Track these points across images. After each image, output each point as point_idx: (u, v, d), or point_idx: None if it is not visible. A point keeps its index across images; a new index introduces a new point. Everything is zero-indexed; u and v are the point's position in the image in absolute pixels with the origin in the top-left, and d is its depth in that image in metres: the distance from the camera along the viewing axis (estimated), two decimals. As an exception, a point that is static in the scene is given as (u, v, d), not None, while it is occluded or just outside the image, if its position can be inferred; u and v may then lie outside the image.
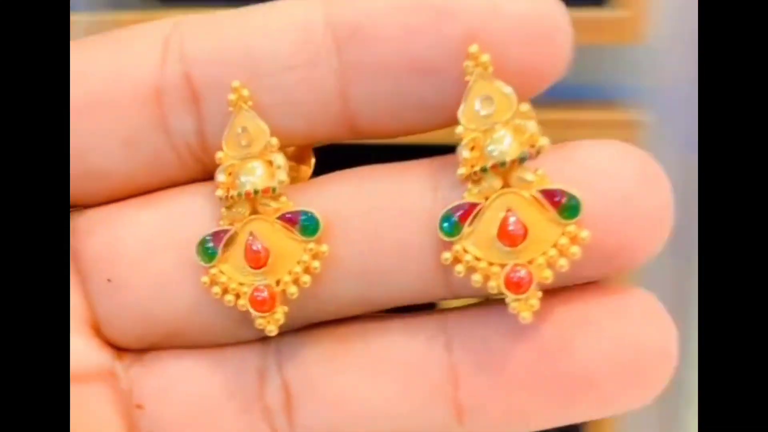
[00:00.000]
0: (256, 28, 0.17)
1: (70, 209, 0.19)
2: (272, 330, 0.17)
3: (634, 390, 0.17)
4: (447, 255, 0.17)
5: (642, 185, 0.16)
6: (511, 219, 0.16)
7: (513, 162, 0.16)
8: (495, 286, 0.16)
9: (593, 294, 0.17)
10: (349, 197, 0.18)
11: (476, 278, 0.17)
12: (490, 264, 0.17)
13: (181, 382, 0.19)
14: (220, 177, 0.17)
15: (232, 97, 0.17)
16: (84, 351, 0.18)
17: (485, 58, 0.16)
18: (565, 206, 0.16)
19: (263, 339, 0.19)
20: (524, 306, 0.16)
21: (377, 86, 0.17)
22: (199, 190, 0.18)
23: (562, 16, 0.16)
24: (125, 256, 0.18)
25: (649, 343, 0.16)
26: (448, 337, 0.18)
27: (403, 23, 0.16)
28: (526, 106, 0.16)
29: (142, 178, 0.18)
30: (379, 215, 0.17)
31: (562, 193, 0.16)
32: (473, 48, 0.16)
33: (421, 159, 0.18)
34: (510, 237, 0.16)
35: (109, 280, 0.18)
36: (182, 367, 0.19)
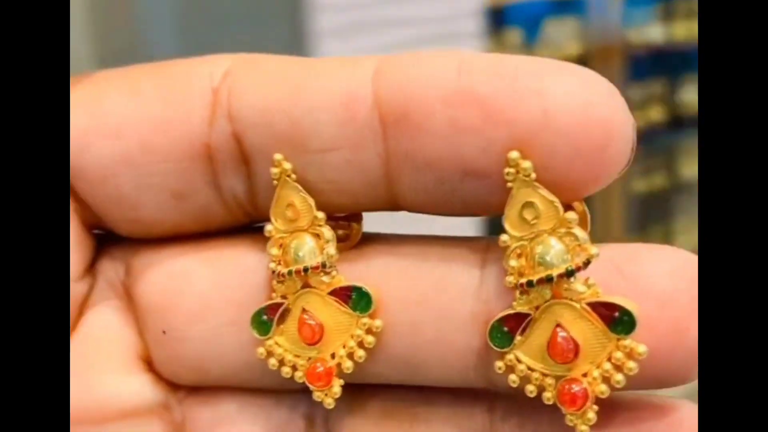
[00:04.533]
0: (302, 97, 0.17)
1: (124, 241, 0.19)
2: (330, 403, 0.18)
3: None
4: (500, 364, 0.16)
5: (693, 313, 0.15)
6: (561, 335, 0.16)
7: (561, 277, 0.16)
8: (550, 397, 0.16)
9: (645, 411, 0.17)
10: (395, 280, 0.17)
11: (530, 389, 0.16)
12: (544, 375, 0.16)
13: (235, 418, 0.19)
14: (272, 251, 0.18)
15: (274, 170, 0.17)
16: (137, 387, 0.19)
17: (527, 164, 0.15)
18: (619, 321, 0.15)
19: None
20: (582, 420, 0.16)
21: (422, 179, 0.16)
22: (252, 247, 0.18)
23: (621, 122, 0.15)
24: (181, 310, 0.18)
25: None
26: None
27: (451, 119, 0.16)
28: (572, 215, 0.16)
29: (191, 226, 0.19)
30: (423, 309, 0.17)
31: (615, 307, 0.15)
32: (513, 154, 0.15)
33: (470, 239, 0.18)
34: (561, 354, 0.16)
35: (164, 332, 0.19)
36: (237, 404, 0.19)
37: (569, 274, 0.16)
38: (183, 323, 0.18)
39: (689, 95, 1.03)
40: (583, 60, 0.94)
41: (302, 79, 0.17)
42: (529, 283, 0.16)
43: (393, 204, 0.17)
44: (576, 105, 0.15)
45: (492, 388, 0.18)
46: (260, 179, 0.17)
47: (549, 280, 0.16)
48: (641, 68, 1.01)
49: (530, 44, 0.94)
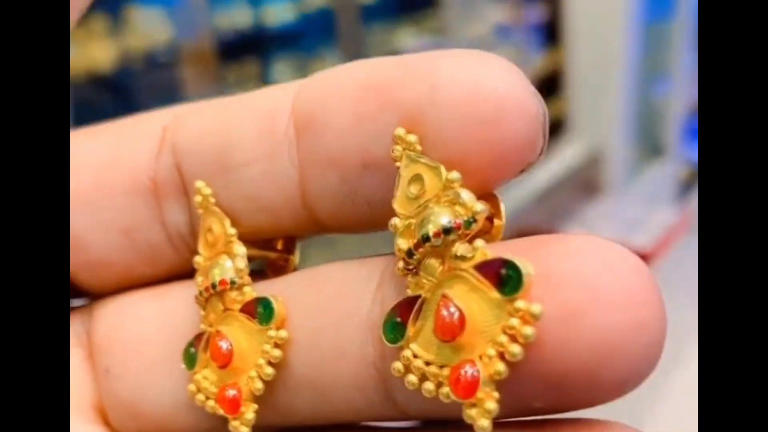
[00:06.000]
0: (230, 119, 0.17)
1: (86, 298, 0.19)
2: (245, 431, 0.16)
3: None
4: (398, 365, 0.14)
5: (606, 296, 0.13)
6: (449, 308, 0.13)
7: (437, 235, 0.14)
8: (448, 392, 0.13)
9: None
10: (303, 292, 0.16)
11: (428, 388, 0.14)
12: (441, 367, 0.13)
13: None
14: (198, 279, 0.17)
15: (197, 198, 0.17)
16: None
17: (411, 138, 0.14)
18: (506, 279, 0.13)
19: None
20: (480, 412, 0.13)
21: (327, 179, 0.16)
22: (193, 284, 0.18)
23: (517, 98, 0.14)
24: (121, 344, 0.18)
25: None
26: None
27: (353, 112, 0.15)
28: (455, 174, 0.14)
29: (142, 268, 0.18)
30: (323, 317, 0.15)
31: (500, 263, 0.13)
32: (399, 131, 0.15)
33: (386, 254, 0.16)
34: (445, 328, 0.13)
35: (107, 371, 0.18)
36: None
37: (446, 231, 0.14)
38: (121, 359, 0.18)
39: (280, 75, 1.14)
40: (175, 47, 0.98)
41: (231, 105, 0.18)
42: (409, 253, 0.14)
43: (312, 222, 0.17)
44: (464, 78, 0.14)
45: (398, 415, 0.15)
46: (195, 210, 0.18)
47: (426, 240, 0.14)
48: (232, 51, 1.09)
49: (117, 31, 0.95)
